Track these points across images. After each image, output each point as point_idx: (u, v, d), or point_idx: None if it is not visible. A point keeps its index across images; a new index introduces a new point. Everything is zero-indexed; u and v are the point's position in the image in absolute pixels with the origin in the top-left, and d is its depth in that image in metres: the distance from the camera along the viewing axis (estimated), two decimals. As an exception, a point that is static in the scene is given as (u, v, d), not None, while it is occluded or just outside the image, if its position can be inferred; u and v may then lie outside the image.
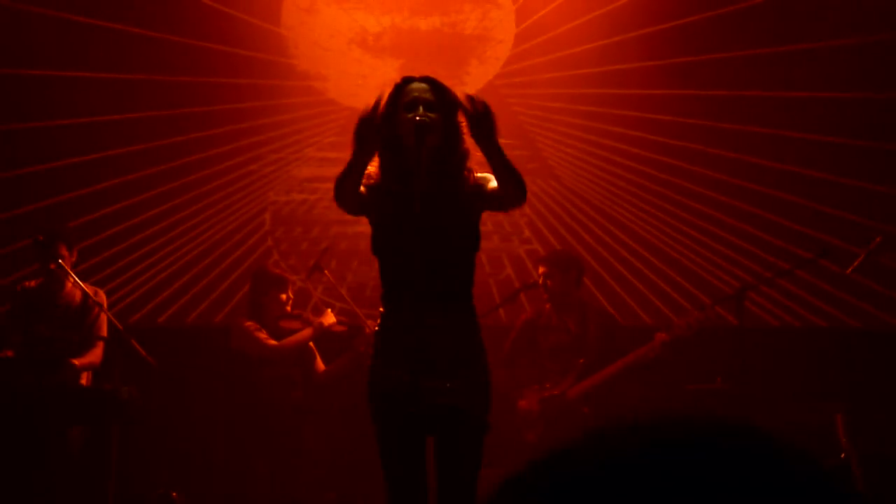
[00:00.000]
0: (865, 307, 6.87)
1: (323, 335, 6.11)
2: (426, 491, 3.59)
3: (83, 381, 5.73)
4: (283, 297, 6.10)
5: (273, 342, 5.97)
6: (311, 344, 6.15)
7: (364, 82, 7.21)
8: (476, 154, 3.69)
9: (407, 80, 3.63)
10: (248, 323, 6.04)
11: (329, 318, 6.08)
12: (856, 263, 5.68)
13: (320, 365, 6.19)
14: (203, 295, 7.14)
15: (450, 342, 3.53)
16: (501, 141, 3.55)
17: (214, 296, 7.13)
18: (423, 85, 3.60)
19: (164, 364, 5.65)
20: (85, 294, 5.80)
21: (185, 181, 7.15)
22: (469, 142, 3.65)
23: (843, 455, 5.22)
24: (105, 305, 5.84)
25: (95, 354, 5.79)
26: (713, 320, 6.04)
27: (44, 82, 6.97)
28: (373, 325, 5.95)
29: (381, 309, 3.64)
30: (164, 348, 6.00)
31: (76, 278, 5.66)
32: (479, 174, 3.66)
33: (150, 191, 7.09)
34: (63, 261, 5.65)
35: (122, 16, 7.04)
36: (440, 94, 3.60)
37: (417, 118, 3.50)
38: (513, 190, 3.54)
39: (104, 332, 5.85)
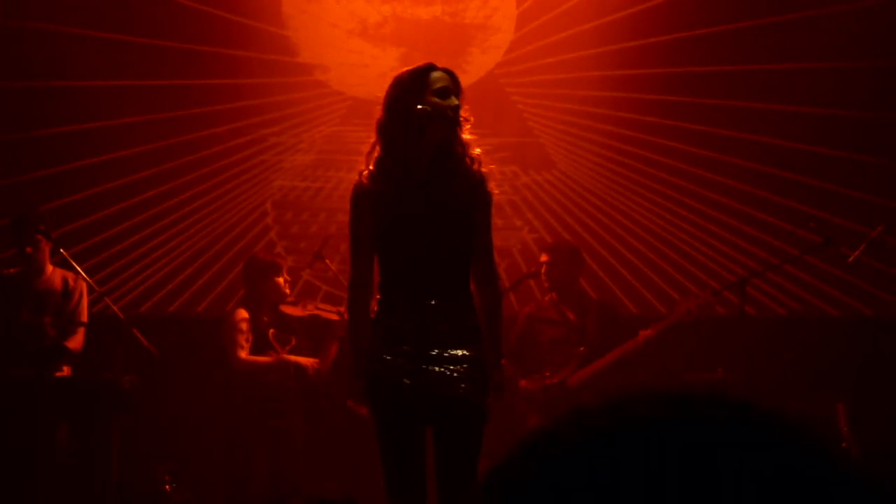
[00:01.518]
0: (867, 296, 6.85)
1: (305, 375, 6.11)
2: (424, 479, 3.59)
3: (64, 373, 5.70)
4: (281, 280, 6.09)
5: (243, 355, 5.94)
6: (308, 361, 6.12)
7: (365, 71, 7.20)
8: (478, 145, 3.71)
9: (432, 67, 3.66)
10: (241, 314, 6.01)
11: (308, 364, 6.03)
12: (857, 252, 5.67)
13: (309, 362, 6.17)
14: (207, 285, 7.14)
15: (447, 329, 3.54)
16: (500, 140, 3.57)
17: (221, 287, 7.13)
18: (448, 76, 3.65)
19: (165, 354, 5.66)
20: (64, 280, 5.79)
21: (189, 177, 7.14)
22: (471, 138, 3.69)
23: (844, 444, 5.22)
24: (85, 291, 5.82)
25: (77, 340, 5.77)
26: (713, 305, 6.04)
27: (55, 87, 6.98)
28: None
29: (378, 296, 3.64)
30: (165, 338, 6.01)
31: (72, 262, 5.65)
32: (488, 185, 3.66)
33: (156, 187, 7.09)
34: (39, 245, 5.65)
35: (123, 25, 7.05)
36: (458, 87, 3.66)
37: (452, 107, 3.56)
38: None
39: (84, 317, 5.83)
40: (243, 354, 5.96)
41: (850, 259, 5.67)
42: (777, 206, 6.93)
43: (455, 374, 3.51)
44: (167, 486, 5.70)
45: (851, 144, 6.83)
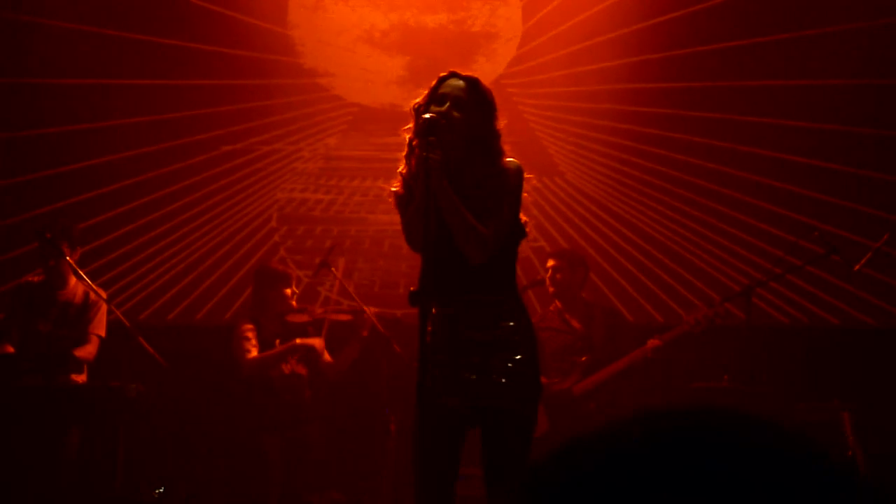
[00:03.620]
0: (873, 304, 6.84)
1: (315, 357, 6.12)
2: (453, 491, 3.53)
3: (80, 380, 5.70)
4: (288, 291, 6.11)
5: (253, 354, 5.96)
6: (315, 340, 6.15)
7: (371, 79, 7.21)
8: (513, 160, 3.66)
9: (449, 76, 3.61)
10: (246, 325, 6.03)
11: (316, 342, 6.07)
12: (864, 260, 5.66)
13: (328, 358, 6.19)
14: (212, 293, 7.14)
15: (485, 336, 3.47)
16: (506, 145, 3.54)
17: (223, 293, 7.13)
18: (461, 82, 3.57)
19: (172, 362, 5.66)
20: (86, 293, 5.81)
21: (192, 181, 7.16)
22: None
23: (850, 453, 5.21)
24: (104, 306, 5.82)
25: (88, 351, 5.75)
26: (722, 317, 6.03)
27: (53, 88, 7.00)
28: (373, 312, 6.01)
29: (424, 304, 3.58)
30: (173, 346, 6.01)
31: (83, 275, 5.66)
32: (502, 185, 3.59)
33: (158, 191, 7.11)
34: (64, 258, 5.66)
35: (128, 21, 7.06)
36: (475, 94, 3.56)
37: (427, 115, 3.46)
38: (464, 247, 3.49)
39: (102, 330, 5.84)
40: (254, 353, 5.97)
41: (857, 268, 5.67)
42: (782, 216, 6.93)
43: (498, 382, 3.46)
44: (155, 493, 5.71)
45: (855, 156, 6.85)
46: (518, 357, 3.49)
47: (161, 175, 7.11)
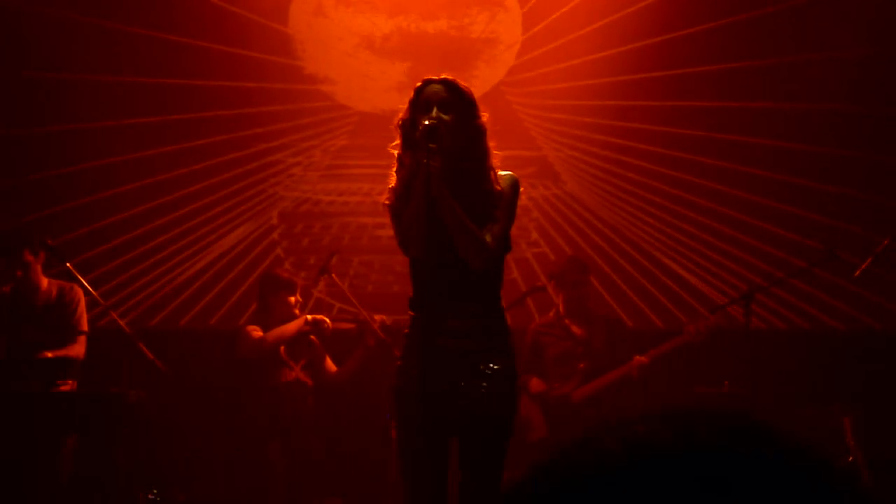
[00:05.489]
0: (873, 310, 6.84)
1: (324, 334, 6.10)
2: (445, 494, 3.55)
3: (70, 386, 5.65)
4: (292, 299, 6.11)
5: (259, 334, 5.95)
6: (318, 345, 6.15)
7: (372, 85, 7.21)
8: (498, 153, 3.68)
9: (425, 83, 3.62)
10: (252, 326, 6.04)
11: (323, 317, 6.10)
12: (863, 266, 5.66)
13: (331, 366, 6.19)
14: (214, 299, 7.14)
15: (470, 346, 3.50)
16: (508, 152, 3.54)
17: (229, 300, 7.13)
18: (438, 86, 3.58)
19: (174, 368, 5.65)
20: (61, 291, 5.78)
21: (198, 187, 7.15)
22: (492, 141, 3.64)
23: (850, 458, 5.21)
24: (82, 301, 5.81)
25: (74, 349, 5.71)
26: (723, 327, 6.02)
27: (53, 86, 6.99)
28: (379, 320, 6.01)
29: (411, 312, 3.62)
30: (176, 352, 6.00)
31: (79, 276, 5.65)
32: (500, 187, 3.61)
33: (164, 196, 7.10)
34: (29, 266, 5.65)
35: (135, 21, 7.07)
36: (455, 94, 3.58)
37: (427, 121, 3.48)
38: (465, 254, 3.50)
39: (84, 325, 5.81)
40: (259, 334, 5.95)
41: (857, 273, 5.67)
42: (782, 221, 6.94)
43: (481, 389, 3.48)
44: (149, 495, 5.71)
45: (857, 155, 6.86)
46: (499, 367, 3.51)
47: (162, 181, 7.11)
